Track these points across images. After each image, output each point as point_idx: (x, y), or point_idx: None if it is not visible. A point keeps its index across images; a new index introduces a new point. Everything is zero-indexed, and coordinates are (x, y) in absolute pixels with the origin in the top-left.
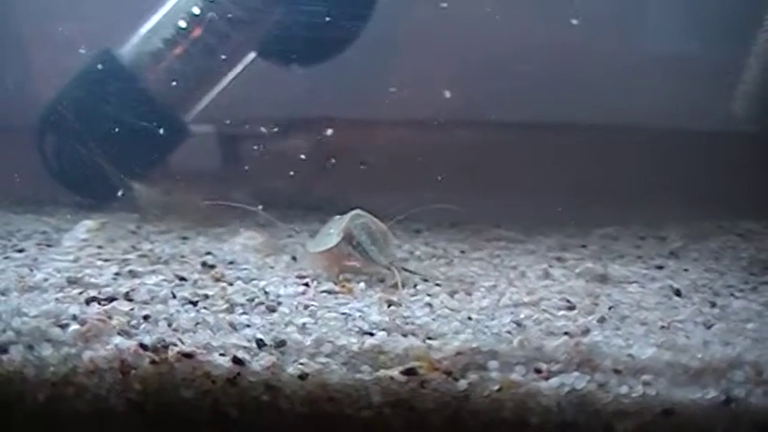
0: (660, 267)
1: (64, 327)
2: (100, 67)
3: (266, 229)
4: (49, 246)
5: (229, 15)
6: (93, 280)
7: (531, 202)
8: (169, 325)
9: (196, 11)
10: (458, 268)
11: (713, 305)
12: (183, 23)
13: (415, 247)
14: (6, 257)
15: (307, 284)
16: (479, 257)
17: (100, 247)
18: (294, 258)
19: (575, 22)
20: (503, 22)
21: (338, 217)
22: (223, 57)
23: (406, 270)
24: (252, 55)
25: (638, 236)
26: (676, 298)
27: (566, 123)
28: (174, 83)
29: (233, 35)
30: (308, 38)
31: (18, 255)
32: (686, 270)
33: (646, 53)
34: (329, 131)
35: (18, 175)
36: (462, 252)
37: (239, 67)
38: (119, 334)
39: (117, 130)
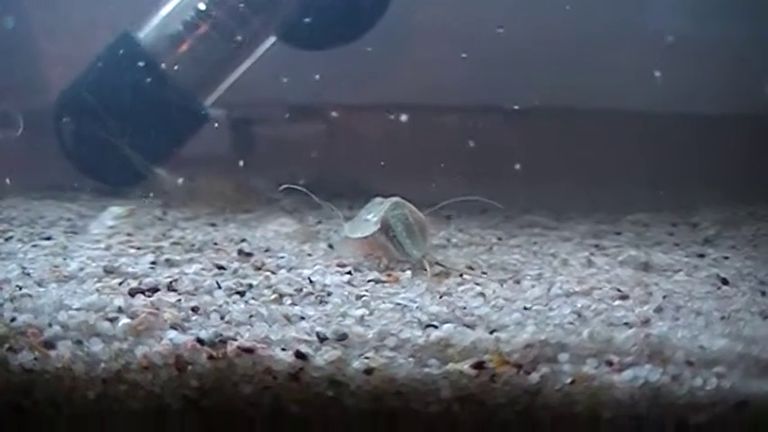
0: (701, 255)
1: (113, 320)
2: (119, 50)
3: (294, 214)
4: (75, 233)
5: None
6: (130, 269)
7: (558, 187)
8: (222, 317)
9: None
10: (498, 256)
11: (763, 294)
12: (202, 5)
13: (451, 234)
14: (35, 245)
15: (350, 273)
16: (517, 244)
17: (129, 234)
18: (331, 246)
19: None
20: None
21: (378, 200)
22: (243, 40)
23: (439, 264)
24: (272, 39)
25: (670, 222)
26: (725, 287)
27: (591, 109)
28: (194, 66)
29: (253, 18)
30: (328, 22)
31: (46, 243)
32: (727, 258)
33: (675, 36)
34: (344, 117)
35: (35, 160)
36: (499, 239)
37: (259, 51)
38: (172, 328)
39: (136, 114)
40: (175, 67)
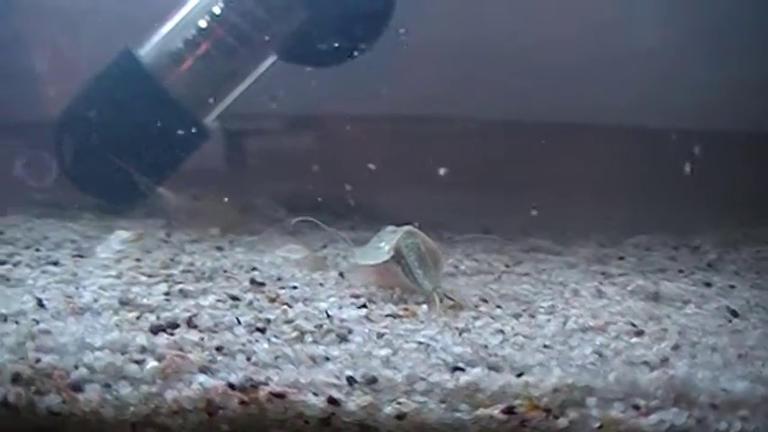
0: (708, 284)
1: (140, 363)
2: (119, 67)
3: (298, 236)
4: (82, 257)
5: (251, 16)
6: (145, 301)
7: (555, 207)
8: (248, 359)
9: (217, 11)
10: (508, 285)
11: None
12: (203, 23)
13: (459, 261)
14: (43, 271)
15: (365, 305)
16: (525, 272)
17: (138, 259)
18: (341, 274)
19: None
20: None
21: (390, 228)
22: (244, 58)
23: (448, 297)
24: (273, 57)
25: (671, 246)
26: (735, 320)
27: (586, 125)
28: (195, 84)
29: (254, 36)
30: (328, 39)
31: (55, 269)
32: (733, 287)
33: (676, 53)
34: (345, 133)
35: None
36: (507, 266)
37: (260, 69)
38: (200, 371)
39: (137, 132)
40: (176, 85)
